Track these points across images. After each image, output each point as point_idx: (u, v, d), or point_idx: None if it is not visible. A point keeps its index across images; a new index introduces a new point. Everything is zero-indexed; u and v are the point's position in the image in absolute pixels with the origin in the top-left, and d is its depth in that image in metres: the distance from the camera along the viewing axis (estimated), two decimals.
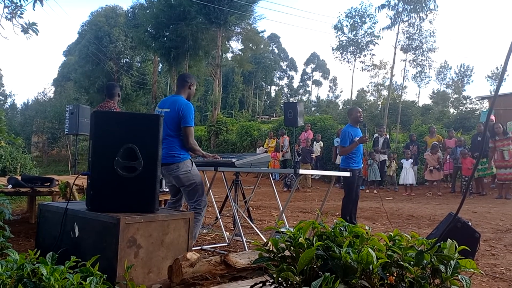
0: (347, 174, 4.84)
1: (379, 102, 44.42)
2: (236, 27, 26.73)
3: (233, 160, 4.10)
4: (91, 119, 2.93)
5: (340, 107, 52.37)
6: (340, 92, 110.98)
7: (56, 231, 2.88)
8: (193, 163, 3.85)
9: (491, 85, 49.40)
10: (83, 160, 20.64)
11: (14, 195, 5.10)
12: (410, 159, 11.64)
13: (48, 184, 5.16)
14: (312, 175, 13.20)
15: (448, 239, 1.93)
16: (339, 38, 31.74)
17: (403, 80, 32.86)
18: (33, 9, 4.26)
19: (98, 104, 5.54)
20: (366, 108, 37.41)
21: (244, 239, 4.24)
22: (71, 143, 25.67)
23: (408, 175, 11.52)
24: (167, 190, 4.35)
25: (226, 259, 2.35)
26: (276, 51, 73.45)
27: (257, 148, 16.26)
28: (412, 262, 1.85)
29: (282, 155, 14.45)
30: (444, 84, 54.67)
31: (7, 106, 49.85)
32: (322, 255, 1.83)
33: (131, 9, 30.99)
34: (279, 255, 1.92)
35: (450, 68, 54.80)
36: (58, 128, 27.39)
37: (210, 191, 5.12)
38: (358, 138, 5.73)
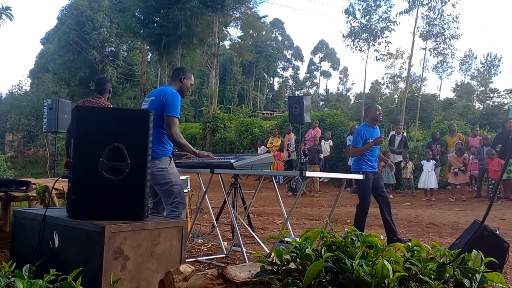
0: (359, 177, 4.84)
1: (396, 96, 44.34)
2: (234, 12, 26.71)
3: (232, 161, 4.10)
4: (72, 115, 2.94)
5: (352, 101, 52.28)
6: (352, 84, 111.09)
7: (33, 241, 2.89)
8: (172, 161, 3.91)
9: None
10: (63, 161, 20.62)
11: None
12: (432, 160, 11.61)
13: (24, 188, 5.16)
14: (320, 177, 13.22)
15: (473, 249, 1.93)
16: (350, 24, 31.64)
17: (423, 71, 32.93)
18: None
19: (82, 98, 5.53)
20: (380, 102, 37.34)
21: (244, 250, 4.24)
22: (50, 142, 25.69)
23: (430, 178, 11.46)
24: None
25: (224, 272, 2.35)
26: (279, 38, 73.42)
27: (258, 148, 16.27)
28: (432, 276, 1.85)
29: (288, 155, 14.46)
30: (468, 75, 54.63)
31: None
32: (332, 267, 1.83)
33: None
34: (284, 267, 1.92)
35: (476, 58, 54.78)
36: (35, 125, 27.39)
37: (206, 196, 5.13)
38: (372, 140, 5.69)
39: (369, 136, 5.72)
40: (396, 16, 31.30)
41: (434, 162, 11.65)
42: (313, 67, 77.46)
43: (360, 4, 30.57)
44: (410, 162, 12.05)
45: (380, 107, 6.04)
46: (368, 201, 5.72)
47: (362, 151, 5.71)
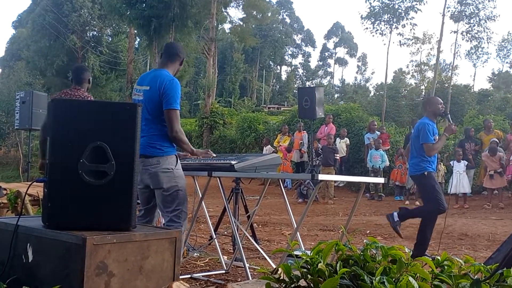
0: (381, 180, 4.84)
1: (423, 87, 44.35)
2: None
3: (232, 162, 4.11)
4: (48, 110, 2.94)
5: (372, 93, 52.28)
6: (372, 73, 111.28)
7: (3, 255, 2.89)
8: (178, 162, 3.82)
9: None
10: (38, 162, 20.68)
11: None
12: (463, 161, 11.56)
13: None
14: (335, 181, 13.20)
15: None
16: (370, 4, 31.65)
17: (454, 58, 32.83)
18: None
19: (59, 90, 5.55)
20: (405, 94, 37.35)
21: (247, 265, 4.24)
22: (23, 140, 25.76)
23: (463, 182, 11.39)
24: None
25: None
26: (287, 20, 73.47)
27: (263, 147, 16.28)
28: None
29: (300, 156, 14.47)
30: (507, 63, 54.44)
31: None
32: (349, 285, 1.83)
33: None
34: (293, 285, 1.92)
35: None
36: (6, 122, 27.46)
37: (203, 203, 5.13)
38: (446, 129, 5.90)
39: (436, 131, 5.83)
40: None
41: (466, 162, 11.59)
42: (326, 54, 77.45)
43: None
44: (441, 164, 12.00)
45: (441, 100, 6.15)
46: (443, 205, 5.64)
47: (440, 147, 5.84)
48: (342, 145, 14.12)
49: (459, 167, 11.48)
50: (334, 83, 74.91)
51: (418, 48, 47.01)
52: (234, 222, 4.65)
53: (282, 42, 66.20)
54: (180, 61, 4.00)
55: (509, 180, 11.63)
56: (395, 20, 30.81)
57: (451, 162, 11.80)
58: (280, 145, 15.27)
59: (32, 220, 3.12)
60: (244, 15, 35.06)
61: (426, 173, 5.75)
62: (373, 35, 36.91)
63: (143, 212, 4.00)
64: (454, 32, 29.72)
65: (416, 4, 30.10)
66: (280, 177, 5.55)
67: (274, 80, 70.41)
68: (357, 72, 75.95)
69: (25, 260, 2.80)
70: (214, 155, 4.25)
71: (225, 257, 5.32)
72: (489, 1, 27.83)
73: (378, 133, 13.66)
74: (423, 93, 36.95)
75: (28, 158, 10.32)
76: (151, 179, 3.73)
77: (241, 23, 36.41)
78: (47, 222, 2.78)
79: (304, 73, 77.34)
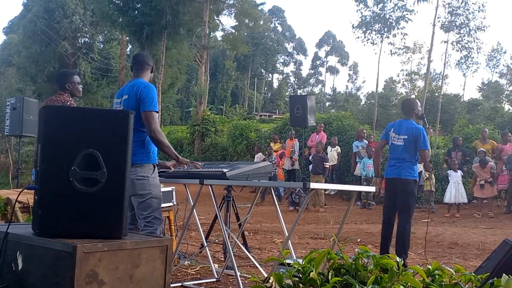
0: (372, 189, 4.84)
1: (413, 96, 44.54)
2: None
3: (224, 170, 4.11)
4: (39, 116, 2.93)
5: (363, 102, 52.48)
6: (363, 82, 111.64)
7: None
8: (155, 171, 3.96)
9: None
10: (29, 169, 20.60)
11: None
12: (459, 170, 11.58)
13: None
14: (326, 190, 13.22)
15: (504, 274, 1.93)
16: (361, 13, 31.78)
17: (444, 67, 32.89)
18: None
19: (49, 97, 5.53)
20: (396, 103, 37.50)
21: (238, 273, 4.23)
22: (13, 147, 25.60)
23: (461, 192, 11.38)
24: None
25: None
26: (279, 29, 73.77)
27: (255, 155, 16.28)
28: None
29: (291, 163, 14.48)
30: (496, 72, 54.95)
31: None
32: None
33: None
34: None
35: (505, 53, 55.16)
36: None
37: (194, 210, 5.12)
38: (426, 132, 5.90)
39: None
40: (414, 4, 31.37)
41: (461, 173, 11.63)
42: (318, 62, 77.77)
43: None
44: (432, 173, 12.04)
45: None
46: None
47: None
48: (333, 153, 14.15)
49: (456, 176, 11.49)
50: (326, 92, 75.29)
51: (408, 58, 47.25)
52: (225, 230, 4.64)
53: (274, 50, 66.42)
54: (151, 69, 4.22)
55: (500, 190, 11.71)
56: (386, 29, 30.98)
57: (448, 172, 11.82)
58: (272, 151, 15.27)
59: (22, 227, 3.10)
60: (236, 23, 35.12)
61: (416, 180, 5.78)
62: (364, 44, 37.08)
63: (130, 219, 4.06)
64: (445, 42, 29.85)
65: (407, 14, 30.30)
66: (272, 185, 5.55)
67: (265, 88, 70.57)
68: (348, 81, 76.52)
69: (15, 268, 2.77)
70: (200, 167, 4.30)
71: (216, 265, 5.30)
72: (479, 12, 28.04)
73: (366, 141, 13.66)
74: None
75: (18, 165, 10.24)
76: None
77: (233, 31, 36.50)
78: (37, 230, 2.76)
79: (296, 81, 77.59)
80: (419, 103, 6.17)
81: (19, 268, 2.76)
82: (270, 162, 12.00)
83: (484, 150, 11.68)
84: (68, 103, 5.15)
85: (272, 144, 15.76)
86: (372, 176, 12.52)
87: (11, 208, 4.88)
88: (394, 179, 5.71)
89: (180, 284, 4.53)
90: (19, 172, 10.04)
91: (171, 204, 5.66)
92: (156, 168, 3.97)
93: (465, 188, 12.17)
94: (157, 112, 3.91)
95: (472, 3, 27.82)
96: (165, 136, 3.95)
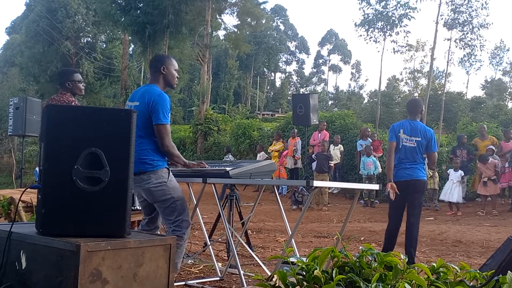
0: (376, 187, 4.84)
1: (416, 94, 44.52)
2: None
3: (227, 169, 4.10)
4: (42, 115, 2.93)
5: (365, 100, 52.52)
6: (365, 80, 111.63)
7: None
8: (170, 173, 3.87)
9: None
10: (32, 169, 20.65)
11: None
12: (460, 171, 11.54)
13: None
14: (329, 188, 13.21)
15: (509, 271, 1.92)
16: (363, 11, 31.73)
17: (447, 65, 32.88)
18: None
19: (51, 96, 5.52)
20: (399, 101, 37.49)
21: (242, 272, 4.23)
22: (16, 147, 25.69)
23: (453, 192, 11.36)
24: (140, 207, 4.35)
25: None
26: (282, 28, 73.74)
27: (257, 154, 16.29)
28: None
29: (294, 162, 14.47)
30: (500, 70, 54.80)
31: None
32: None
33: None
34: None
35: (508, 50, 55.01)
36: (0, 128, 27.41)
37: (197, 209, 5.12)
38: None
39: None
40: (416, 1, 31.39)
41: (462, 173, 11.59)
42: (320, 61, 77.76)
43: None
44: (436, 171, 12.00)
45: None
46: None
47: None
48: (336, 152, 14.14)
49: (454, 176, 11.47)
50: (328, 90, 75.19)
51: (411, 56, 47.15)
52: (229, 229, 4.64)
53: (276, 49, 66.40)
54: (160, 69, 3.94)
55: (503, 187, 11.67)
56: (388, 27, 30.92)
57: (449, 170, 11.80)
58: (272, 151, 15.29)
59: (26, 226, 3.10)
60: (239, 22, 35.09)
61: (426, 181, 5.78)
62: (367, 42, 37.08)
63: (146, 221, 4.12)
64: (448, 39, 29.77)
65: (410, 12, 30.25)
66: (275, 184, 5.54)
67: (268, 87, 70.56)
68: (351, 79, 76.37)
69: (18, 267, 2.77)
70: (207, 166, 4.25)
71: (220, 264, 5.30)
72: (482, 9, 27.95)
73: (370, 140, 13.66)
74: None
75: (21, 165, 10.26)
76: (147, 195, 3.81)
77: (236, 30, 36.45)
78: (41, 229, 2.76)
79: (298, 80, 77.57)
80: (422, 103, 6.14)
81: (23, 267, 2.76)
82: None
83: (493, 148, 11.64)
84: (72, 103, 5.12)
85: (274, 143, 15.77)
86: (374, 174, 12.51)
87: (14, 208, 4.88)
88: (408, 181, 5.64)
89: (183, 283, 4.53)
90: (22, 172, 10.06)
91: None
92: (169, 170, 3.88)
93: (468, 186, 12.15)
94: (169, 124, 3.79)
95: (475, 1, 27.74)
96: (175, 148, 3.86)
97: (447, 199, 11.44)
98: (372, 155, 12.78)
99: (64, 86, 5.22)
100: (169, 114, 3.81)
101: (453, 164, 11.78)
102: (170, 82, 3.98)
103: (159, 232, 4.16)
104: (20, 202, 4.85)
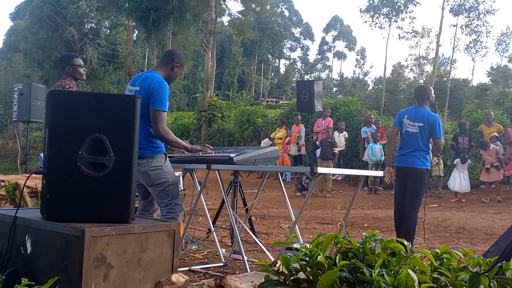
0: (380, 173, 4.83)
1: (421, 81, 44.29)
2: None
3: (231, 155, 4.10)
4: (46, 101, 2.93)
5: (370, 87, 52.27)
6: (370, 67, 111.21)
7: (2, 246, 2.89)
8: (167, 158, 3.98)
9: None
10: (36, 155, 20.73)
11: None
12: (469, 160, 11.47)
13: None
14: (333, 175, 13.22)
15: None
16: None
17: (453, 52, 32.65)
18: None
19: (55, 82, 5.50)
20: (404, 88, 37.31)
21: (246, 258, 4.25)
22: (21, 133, 25.75)
23: (464, 182, 11.32)
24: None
25: (222, 282, 2.35)
26: (286, 14, 73.32)
27: (261, 140, 16.29)
28: (465, 287, 1.85)
29: (298, 149, 14.46)
30: (506, 57, 54.43)
31: None
32: (348, 278, 1.83)
33: None
34: (292, 278, 1.92)
35: None
36: (4, 114, 27.46)
37: (201, 195, 5.13)
38: None
39: None
40: None
41: (469, 162, 11.53)
42: (325, 48, 77.33)
43: None
44: (440, 157, 11.97)
45: None
46: None
47: None
48: (340, 138, 14.10)
49: (462, 166, 11.41)
50: (333, 77, 74.86)
51: (417, 42, 46.86)
52: (233, 215, 4.65)
53: (280, 35, 66.08)
54: (173, 66, 4.05)
55: (507, 176, 11.66)
56: (394, 13, 30.74)
57: (455, 161, 11.70)
58: (276, 138, 15.27)
59: (31, 212, 3.12)
60: (243, 8, 34.92)
61: (428, 169, 5.71)
62: (372, 29, 36.82)
63: (144, 204, 4.20)
64: (453, 25, 29.59)
65: None
66: (279, 170, 5.54)
67: (272, 74, 70.34)
68: (355, 66, 76.06)
69: (24, 252, 2.79)
70: (212, 151, 4.26)
71: (224, 250, 5.32)
72: None
73: (374, 127, 13.61)
74: None
75: (26, 150, 10.27)
76: (143, 178, 3.87)
77: (240, 16, 36.29)
78: (46, 214, 2.78)
79: (303, 67, 77.29)
80: (432, 90, 5.99)
81: (28, 252, 2.77)
82: None
83: (497, 135, 11.59)
84: (67, 86, 5.01)
85: (278, 129, 15.72)
86: (380, 160, 12.47)
87: (19, 193, 4.91)
88: (406, 168, 5.60)
89: (187, 268, 4.55)
90: (27, 158, 10.08)
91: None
92: (167, 156, 3.99)
93: (473, 174, 12.11)
94: (166, 111, 3.87)
95: None
96: (171, 133, 3.93)
97: (453, 188, 11.41)
98: (379, 142, 12.75)
99: (65, 70, 5.17)
100: (167, 103, 3.88)
101: (461, 159, 11.56)
102: (170, 79, 4.09)
103: (156, 214, 4.24)
104: (25, 187, 4.87)
